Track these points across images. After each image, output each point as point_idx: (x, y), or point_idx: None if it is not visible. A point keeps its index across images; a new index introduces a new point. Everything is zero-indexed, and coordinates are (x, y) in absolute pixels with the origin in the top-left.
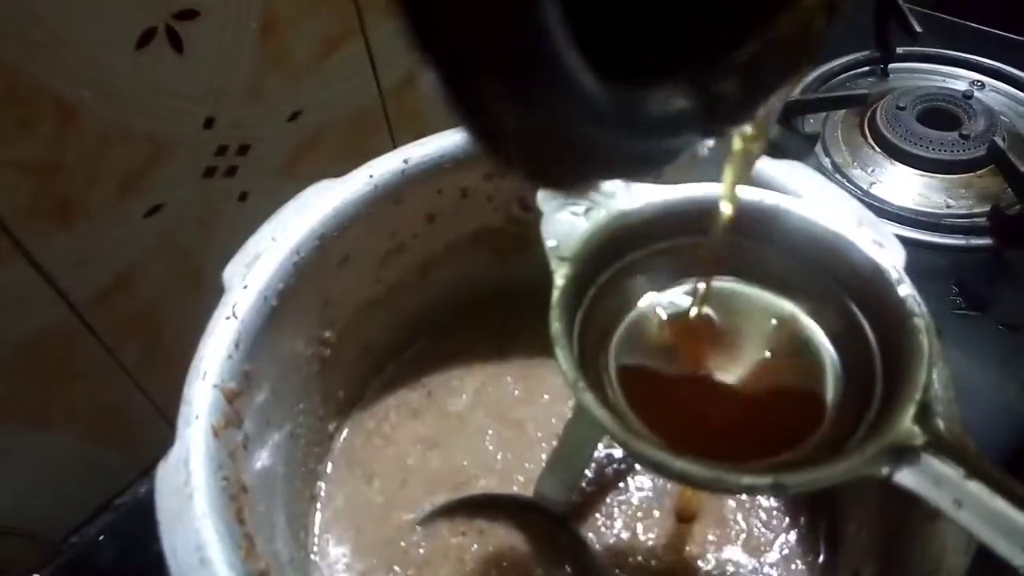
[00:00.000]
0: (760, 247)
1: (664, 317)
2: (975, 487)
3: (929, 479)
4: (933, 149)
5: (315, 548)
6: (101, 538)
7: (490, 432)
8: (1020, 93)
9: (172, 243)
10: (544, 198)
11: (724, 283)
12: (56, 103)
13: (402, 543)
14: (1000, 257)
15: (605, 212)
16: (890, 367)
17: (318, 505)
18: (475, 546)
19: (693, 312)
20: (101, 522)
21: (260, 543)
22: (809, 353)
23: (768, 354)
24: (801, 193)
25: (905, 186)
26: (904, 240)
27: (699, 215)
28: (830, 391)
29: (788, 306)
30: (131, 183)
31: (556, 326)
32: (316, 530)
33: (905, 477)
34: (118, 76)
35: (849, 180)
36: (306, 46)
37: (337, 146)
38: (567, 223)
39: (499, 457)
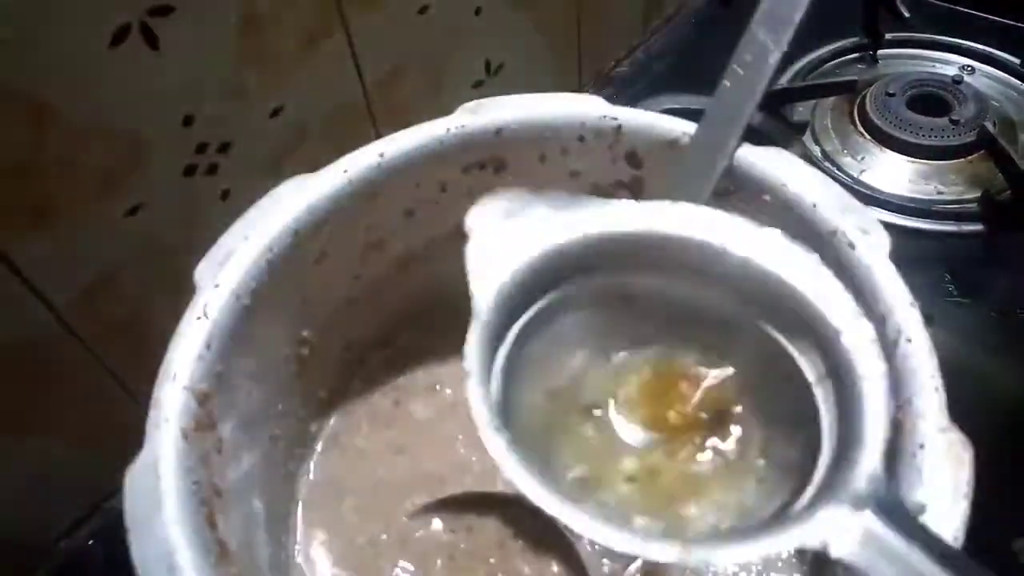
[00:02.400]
0: (704, 286)
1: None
2: (927, 567)
3: (878, 556)
4: (923, 135)
5: (297, 549)
6: (91, 542)
7: (460, 436)
8: (1010, 78)
9: (154, 244)
10: (475, 217)
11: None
12: (29, 103)
13: (391, 541)
14: (992, 243)
15: (540, 237)
16: (841, 426)
17: (300, 508)
18: (463, 544)
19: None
20: (90, 526)
21: (235, 548)
22: (753, 407)
23: (709, 411)
24: (785, 180)
25: (895, 173)
26: (894, 227)
27: (643, 248)
28: (771, 448)
29: (731, 357)
30: (109, 183)
31: (471, 364)
32: (299, 534)
33: (848, 551)
34: (92, 75)
35: (839, 168)
36: (286, 40)
37: (321, 142)
38: (497, 247)
39: (474, 459)
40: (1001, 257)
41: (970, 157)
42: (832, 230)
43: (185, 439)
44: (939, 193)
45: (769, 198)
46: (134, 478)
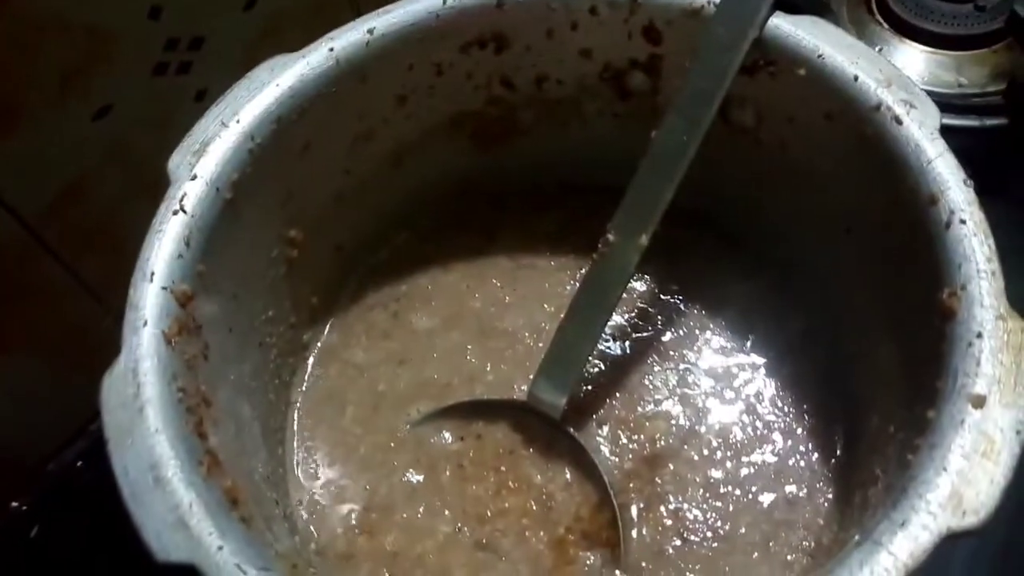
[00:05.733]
0: None
1: None
2: None
3: None
4: (946, 23)
5: (296, 462)
6: (79, 463)
7: (469, 347)
8: None
9: (125, 148)
10: None
11: None
12: None
13: (395, 451)
14: (1016, 137)
15: None
16: None
17: (295, 420)
18: (472, 452)
19: None
20: (77, 447)
21: (227, 459)
22: None
23: None
24: (823, 52)
25: (914, 64)
26: None
27: None
28: None
29: None
30: (74, 82)
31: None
32: (295, 446)
33: None
34: None
35: None
36: None
37: (300, 37)
38: None
39: (488, 367)
40: None
41: (994, 47)
42: (875, 105)
43: (168, 344)
44: (960, 86)
45: (804, 72)
46: (112, 385)
